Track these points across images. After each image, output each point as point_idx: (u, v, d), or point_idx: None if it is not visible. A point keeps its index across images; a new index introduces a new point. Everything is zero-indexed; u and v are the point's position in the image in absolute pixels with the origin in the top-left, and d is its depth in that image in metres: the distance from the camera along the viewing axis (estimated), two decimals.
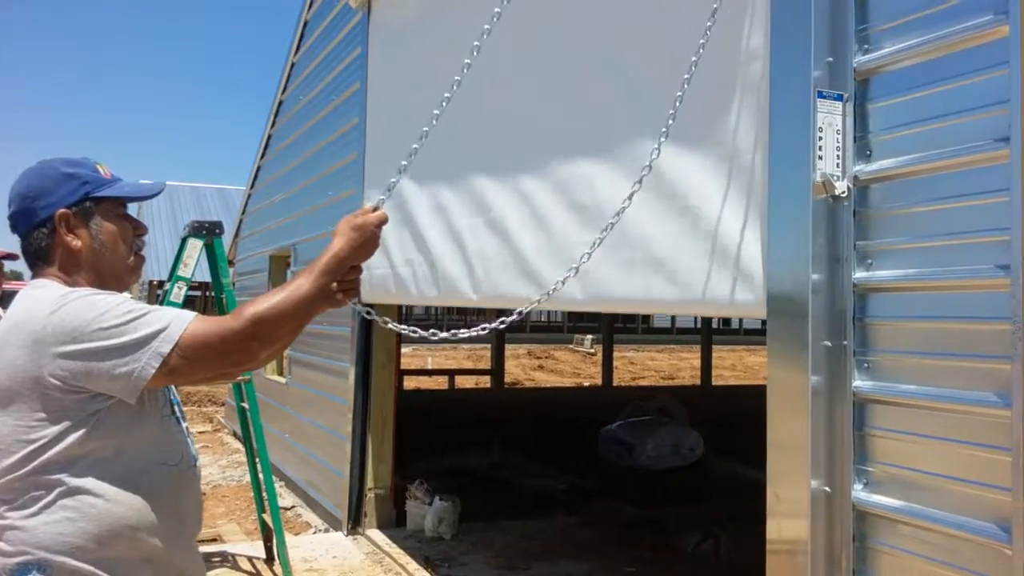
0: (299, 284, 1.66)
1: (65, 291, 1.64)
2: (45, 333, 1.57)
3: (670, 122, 2.23)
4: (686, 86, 2.18)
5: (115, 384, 1.59)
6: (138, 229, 1.86)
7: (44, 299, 1.63)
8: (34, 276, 1.78)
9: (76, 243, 1.74)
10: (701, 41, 2.21)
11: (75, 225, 1.74)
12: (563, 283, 2.23)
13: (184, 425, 1.86)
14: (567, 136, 3.21)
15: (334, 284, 1.73)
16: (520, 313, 2.25)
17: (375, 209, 1.78)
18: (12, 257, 3.86)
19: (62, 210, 1.73)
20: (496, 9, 2.03)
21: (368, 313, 1.95)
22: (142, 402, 1.67)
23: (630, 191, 2.24)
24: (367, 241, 1.73)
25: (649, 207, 2.68)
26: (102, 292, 1.65)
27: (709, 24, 2.24)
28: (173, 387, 1.88)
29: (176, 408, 1.85)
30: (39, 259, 1.77)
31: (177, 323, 1.60)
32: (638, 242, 2.76)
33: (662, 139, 2.23)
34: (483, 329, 2.12)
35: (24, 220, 1.76)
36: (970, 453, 1.82)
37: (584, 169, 3.08)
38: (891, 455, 2.00)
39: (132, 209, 1.95)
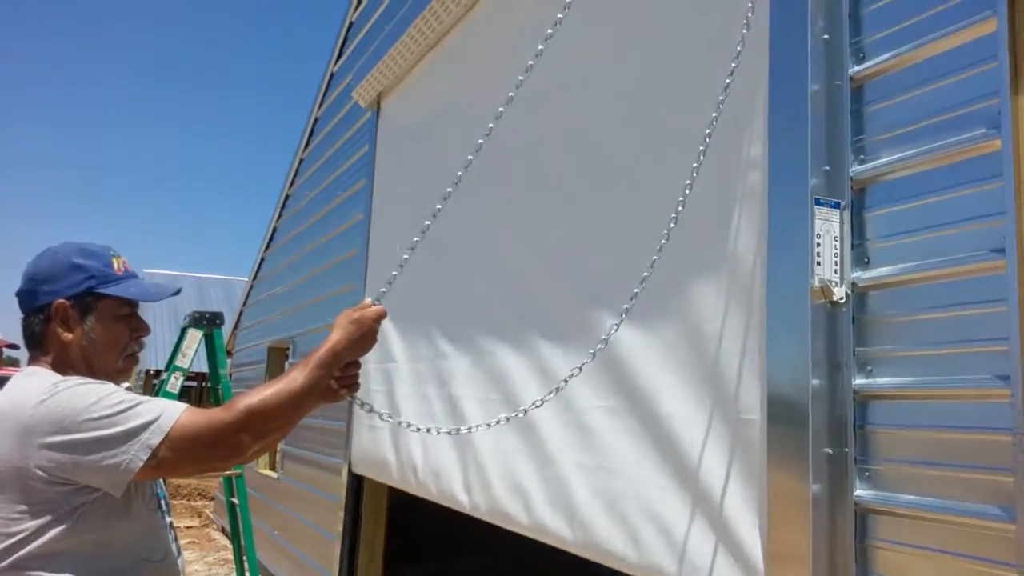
0: (293, 377, 1.65)
1: (56, 380, 1.63)
2: (33, 423, 1.55)
3: (670, 231, 2.26)
4: (687, 192, 2.21)
5: (101, 476, 1.56)
6: (138, 331, 1.84)
7: (34, 388, 1.61)
8: (29, 361, 1.77)
9: (67, 336, 1.74)
10: (700, 148, 2.25)
11: (69, 318, 1.74)
12: (566, 382, 2.23)
13: (169, 520, 1.82)
14: (564, 247, 3.24)
15: (333, 379, 1.72)
16: (516, 415, 2.24)
17: (374, 304, 1.78)
18: (13, 347, 3.85)
19: (60, 301, 1.74)
20: (489, 124, 2.07)
21: (370, 409, 1.93)
22: (128, 496, 1.64)
23: (623, 309, 2.26)
24: (364, 335, 1.73)
25: (641, 326, 2.71)
26: (93, 381, 1.64)
27: (708, 132, 2.29)
28: (161, 480, 1.85)
29: (162, 502, 1.81)
30: (33, 344, 1.77)
31: (167, 415, 1.58)
32: (625, 364, 2.75)
33: (655, 256, 2.25)
34: (483, 426, 2.11)
35: (26, 302, 1.77)
36: (973, 568, 1.77)
37: (580, 283, 3.10)
38: (893, 568, 1.94)
39: None
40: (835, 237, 2.12)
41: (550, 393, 2.24)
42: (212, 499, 12.34)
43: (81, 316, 1.74)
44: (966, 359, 1.84)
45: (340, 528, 5.60)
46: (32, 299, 1.76)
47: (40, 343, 1.75)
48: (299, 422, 1.72)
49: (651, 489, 2.61)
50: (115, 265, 1.81)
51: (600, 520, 2.81)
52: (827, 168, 2.16)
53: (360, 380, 1.82)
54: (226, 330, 8.20)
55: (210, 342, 4.96)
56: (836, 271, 2.10)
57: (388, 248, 5.29)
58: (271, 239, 10.16)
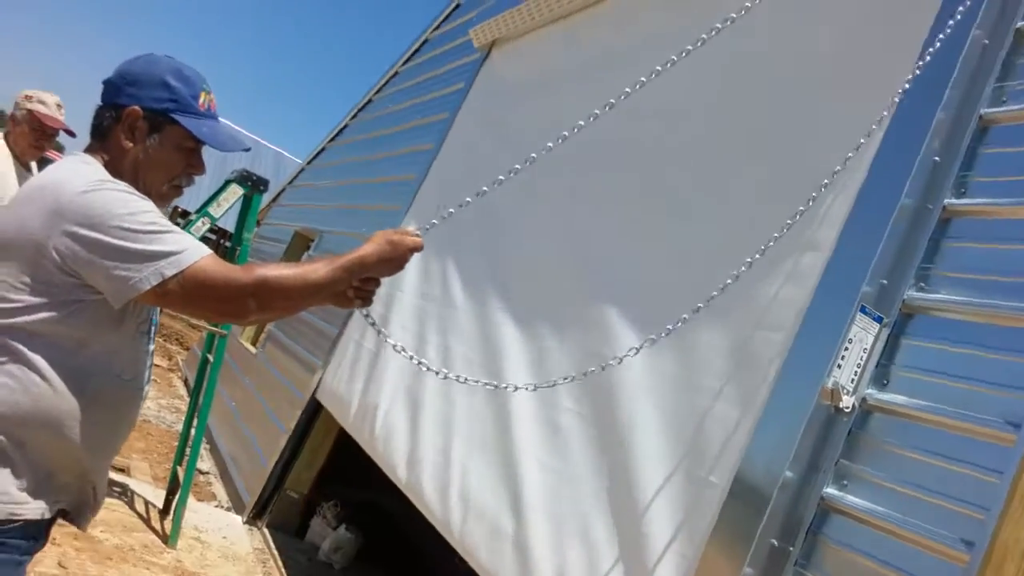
0: (315, 268, 1.68)
1: (105, 177, 1.65)
2: (68, 207, 1.58)
3: (715, 294, 2.24)
4: (758, 255, 2.19)
5: (108, 284, 1.59)
6: (193, 167, 1.85)
7: (81, 175, 1.64)
8: (86, 148, 1.79)
9: (127, 143, 1.76)
10: (775, 235, 2.22)
11: (136, 128, 1.76)
12: (566, 379, 2.25)
13: (151, 347, 1.85)
14: (605, 251, 3.24)
15: (352, 286, 1.74)
16: (506, 386, 2.26)
17: (416, 233, 1.80)
18: (71, 134, 3.91)
19: (135, 108, 1.75)
20: (580, 121, 2.03)
21: (374, 324, 1.96)
22: (124, 309, 1.67)
23: (647, 339, 2.27)
24: (395, 259, 1.75)
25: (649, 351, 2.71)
26: (136, 193, 1.65)
27: (801, 209, 2.27)
28: (158, 308, 1.88)
29: (152, 327, 1.84)
30: (97, 135, 1.78)
31: (191, 253, 1.60)
32: (618, 378, 2.76)
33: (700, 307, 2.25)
34: (480, 383, 2.15)
35: (108, 93, 1.79)
36: None
37: (601, 318, 3.09)
38: None
39: None
40: (865, 348, 2.11)
41: (545, 384, 2.25)
42: (187, 349, 12.52)
43: (148, 131, 1.75)
44: (938, 512, 1.84)
45: (293, 424, 5.67)
46: (113, 94, 1.76)
47: (103, 137, 1.76)
48: (303, 310, 1.74)
49: (594, 506, 2.63)
50: (201, 99, 1.81)
51: (536, 517, 2.83)
52: (884, 282, 2.15)
53: (374, 298, 1.84)
54: (265, 199, 8.29)
55: (247, 203, 5.00)
56: (853, 380, 2.09)
57: (445, 184, 5.30)
58: (338, 133, 10.21)
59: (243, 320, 1.69)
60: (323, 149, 10.59)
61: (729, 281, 2.20)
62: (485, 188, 1.97)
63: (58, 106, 3.83)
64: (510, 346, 3.52)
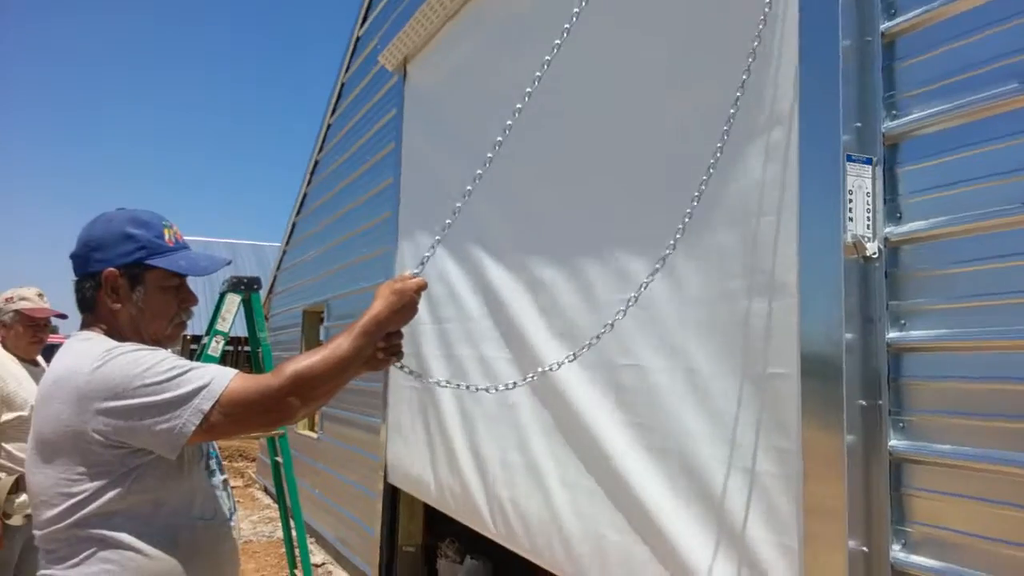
0: (338, 344, 1.71)
1: (110, 346, 1.69)
2: (89, 388, 1.62)
3: (703, 186, 2.29)
4: (719, 155, 2.24)
5: (156, 440, 1.63)
6: (186, 301, 1.89)
7: (88, 354, 1.68)
8: (82, 325, 1.83)
9: (115, 306, 1.79)
10: (732, 111, 2.27)
11: (119, 287, 1.79)
12: (598, 339, 2.29)
13: (222, 478, 1.90)
14: (589, 215, 3.28)
15: (379, 348, 1.78)
16: (550, 368, 2.30)
17: (414, 275, 1.83)
18: (62, 316, 3.95)
19: (111, 270, 1.79)
20: (528, 89, 2.10)
21: (411, 372, 1.99)
22: (181, 457, 1.71)
23: (653, 268, 2.30)
24: (405, 306, 1.78)
25: (669, 284, 2.75)
26: (145, 348, 1.70)
27: (739, 93, 2.30)
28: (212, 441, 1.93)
29: (214, 462, 1.89)
30: (84, 308, 1.83)
31: (219, 380, 1.65)
32: (663, 304, 2.80)
33: (694, 203, 2.29)
34: (514, 384, 2.19)
35: (78, 266, 1.83)
36: (1008, 514, 1.82)
37: (606, 245, 3.14)
38: (928, 515, 2.00)
39: None
40: (867, 193, 2.14)
41: (582, 348, 2.29)
42: (254, 460, 12.64)
43: (130, 286, 1.79)
44: (998, 311, 1.87)
45: (381, 487, 5.74)
46: (84, 264, 1.80)
47: (91, 308, 1.80)
48: (343, 387, 1.78)
49: (688, 442, 2.67)
50: (166, 236, 1.85)
51: (645, 479, 2.88)
52: (859, 124, 2.18)
53: (403, 348, 1.89)
54: (261, 294, 8.35)
55: (248, 306, 5.05)
56: (869, 227, 2.12)
57: (419, 210, 5.34)
58: (302, 204, 10.26)
59: (292, 420, 1.72)
60: (294, 225, 10.65)
61: (711, 170, 2.23)
62: (459, 204, 2.01)
63: (40, 296, 3.89)
64: (539, 330, 3.57)
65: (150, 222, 1.85)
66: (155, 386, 1.62)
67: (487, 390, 2.20)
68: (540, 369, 2.30)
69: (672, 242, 2.25)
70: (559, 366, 2.32)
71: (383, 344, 1.80)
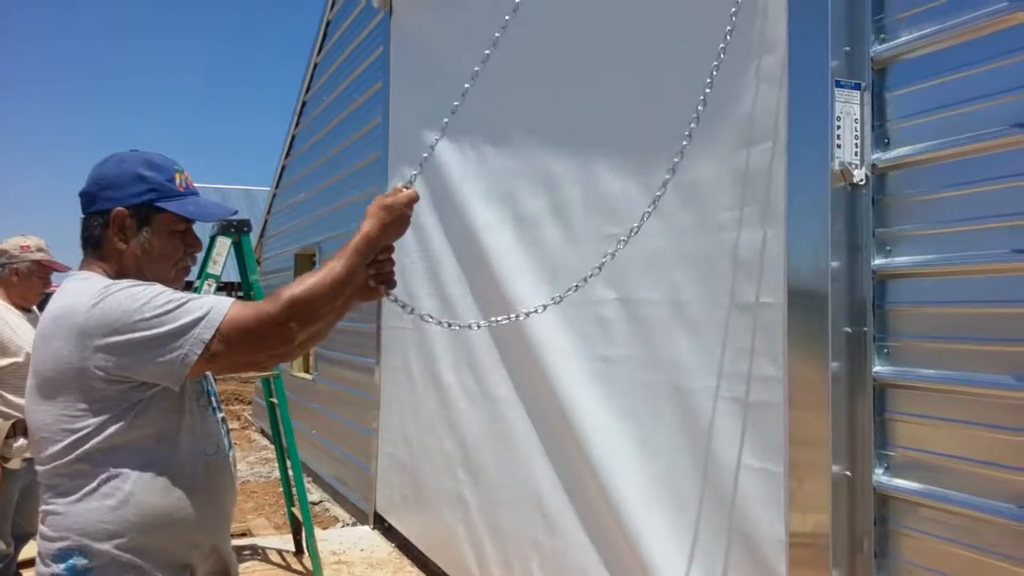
0: (332, 266, 1.70)
1: (107, 283, 1.69)
2: (88, 325, 1.62)
3: (693, 124, 2.25)
4: (714, 73, 2.19)
5: (158, 372, 1.64)
6: (191, 247, 1.89)
7: (86, 292, 1.67)
8: (81, 263, 1.83)
9: (121, 245, 1.79)
10: (728, 28, 2.22)
11: (126, 227, 1.78)
12: (586, 281, 2.28)
13: (220, 415, 1.91)
14: (582, 138, 3.25)
15: (370, 274, 1.77)
16: (539, 309, 2.28)
17: (405, 188, 1.81)
18: (62, 269, 3.94)
19: (120, 209, 1.78)
20: (506, 17, 2.06)
21: (403, 306, 1.99)
22: (183, 392, 1.73)
23: (652, 199, 2.28)
24: (396, 220, 1.77)
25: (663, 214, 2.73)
26: (141, 283, 1.69)
27: (733, 13, 2.26)
28: (211, 378, 1.94)
29: (213, 399, 1.90)
30: (89, 245, 1.82)
31: (217, 310, 1.65)
32: (651, 237, 2.79)
33: (685, 142, 2.26)
34: (508, 318, 2.17)
35: (87, 203, 1.82)
36: (990, 436, 1.84)
37: (603, 173, 3.11)
38: (911, 439, 2.02)
39: None
40: (855, 119, 2.12)
41: (569, 291, 2.27)
42: (250, 403, 12.75)
43: (138, 227, 1.78)
44: (983, 235, 1.87)
45: (375, 424, 5.80)
46: (92, 202, 1.80)
47: (96, 246, 1.80)
48: (341, 312, 1.76)
49: (676, 374, 2.69)
50: (177, 180, 1.84)
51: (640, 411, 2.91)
52: (847, 49, 2.14)
53: (396, 277, 1.88)
54: (253, 238, 8.33)
55: (239, 249, 5.03)
56: (856, 153, 2.11)
57: (408, 150, 5.29)
58: (291, 147, 10.16)
59: (292, 347, 1.70)
60: (283, 167, 10.56)
61: (703, 102, 2.20)
62: (446, 120, 1.99)
63: (40, 249, 3.89)
64: (521, 265, 3.58)
65: (162, 165, 1.84)
66: (154, 319, 1.61)
67: (469, 327, 2.19)
68: (527, 310, 2.27)
69: (664, 180, 2.21)
70: (544, 308, 2.29)
71: (374, 271, 1.79)
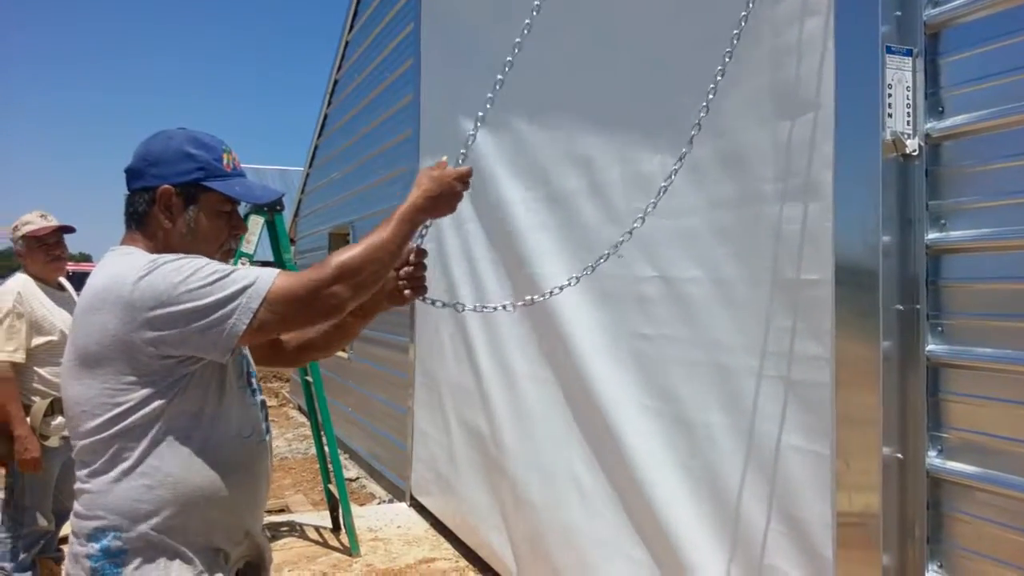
0: (378, 232, 1.69)
1: (152, 257, 1.66)
2: (134, 298, 1.59)
3: (718, 79, 2.18)
4: (735, 42, 2.12)
5: (206, 342, 1.61)
6: (236, 228, 1.86)
7: (131, 265, 1.65)
8: (124, 238, 1.80)
9: (167, 224, 1.76)
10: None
11: (173, 206, 1.76)
12: (617, 248, 2.23)
13: (259, 398, 1.89)
14: (619, 99, 3.17)
15: (403, 281, 1.76)
16: (572, 282, 2.24)
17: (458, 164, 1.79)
18: (69, 230, 3.95)
19: (166, 186, 1.75)
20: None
21: (433, 303, 1.98)
22: (224, 372, 1.71)
23: (678, 157, 2.21)
24: (443, 193, 1.75)
25: (699, 179, 2.66)
26: (186, 256, 1.67)
27: None
28: (251, 359, 1.91)
29: (253, 380, 1.87)
30: (133, 222, 1.79)
31: (263, 279, 1.62)
32: (690, 213, 2.72)
33: (710, 95, 2.18)
34: (533, 300, 2.16)
35: (133, 179, 1.79)
36: None
37: (639, 136, 3.04)
38: (966, 420, 1.95)
39: None
40: (907, 87, 2.03)
41: (601, 258, 2.23)
42: (287, 380, 12.86)
43: (184, 205, 1.76)
44: None
45: (410, 403, 5.80)
46: (139, 178, 1.77)
47: (140, 223, 1.77)
48: (368, 315, 1.78)
49: (718, 353, 2.62)
50: (225, 160, 1.81)
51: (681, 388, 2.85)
52: (898, 13, 2.05)
53: (427, 283, 1.90)
54: (287, 217, 8.33)
55: (272, 228, 5.03)
56: (908, 123, 2.02)
57: (439, 128, 5.24)
58: (323, 126, 10.15)
59: (342, 312, 1.69)
60: (316, 147, 10.56)
61: (727, 60, 2.12)
62: (490, 96, 1.95)
63: (42, 216, 3.89)
64: (553, 243, 3.54)
65: (210, 144, 1.81)
66: (199, 290, 1.59)
67: (504, 307, 2.14)
68: (561, 284, 2.23)
69: (691, 137, 2.14)
70: (577, 280, 2.25)
71: (406, 279, 1.82)
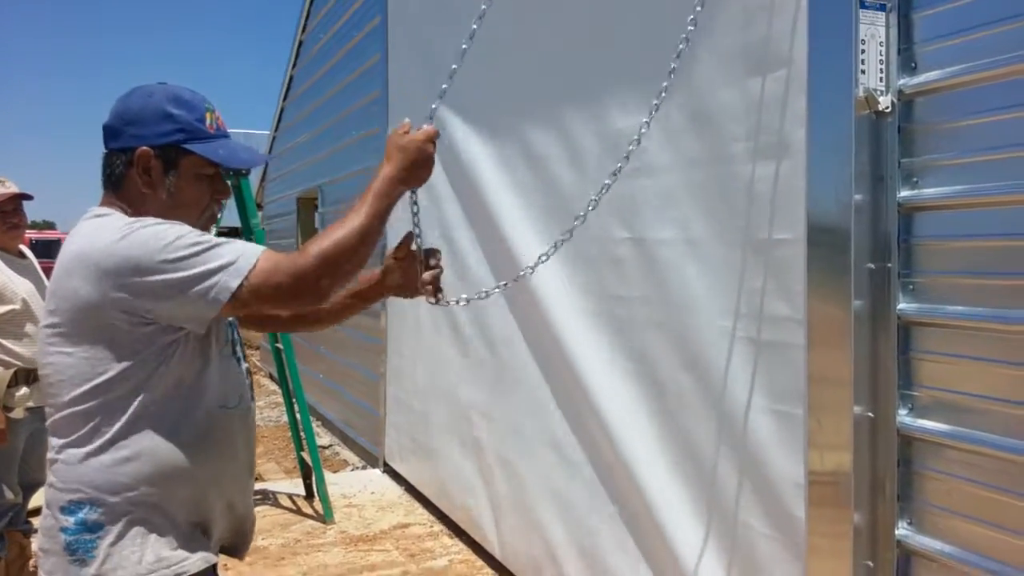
0: (356, 213, 1.61)
1: (129, 220, 1.58)
2: (109, 264, 1.52)
3: (690, 28, 2.12)
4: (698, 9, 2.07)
5: (183, 312, 1.55)
6: (219, 193, 1.76)
7: (107, 227, 1.57)
8: (101, 201, 1.71)
9: (146, 189, 1.67)
10: None
11: (152, 169, 1.66)
12: (596, 204, 2.18)
13: (244, 366, 1.83)
14: (590, 63, 3.11)
15: (426, 285, 1.77)
16: (557, 245, 2.19)
17: (422, 125, 1.72)
18: (27, 197, 3.83)
19: (145, 149, 1.65)
20: None
21: (457, 302, 1.95)
22: (208, 340, 1.64)
23: (647, 116, 2.16)
24: (417, 159, 1.67)
25: (671, 139, 2.62)
26: (167, 222, 1.58)
27: None
28: (237, 326, 1.86)
29: (238, 348, 1.81)
30: (111, 184, 1.70)
31: (246, 257, 1.54)
32: (662, 173, 2.69)
33: (682, 45, 2.13)
34: (503, 286, 2.12)
35: (110, 138, 1.69)
36: (1019, 374, 1.77)
37: (611, 98, 2.99)
38: (937, 378, 1.95)
39: None
40: (880, 42, 1.99)
41: (577, 221, 2.18)
42: (257, 348, 12.75)
43: (164, 168, 1.66)
44: (1017, 164, 1.76)
45: (383, 369, 5.77)
46: (116, 137, 1.67)
47: (119, 185, 1.68)
48: (368, 259, 1.67)
49: (688, 315, 2.61)
50: (207, 120, 1.70)
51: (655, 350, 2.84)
52: None
53: (442, 284, 1.85)
54: (253, 181, 8.19)
55: (238, 192, 4.93)
56: (881, 79, 1.99)
57: (409, 88, 5.14)
58: (288, 88, 9.96)
59: (325, 300, 1.62)
60: (283, 110, 10.38)
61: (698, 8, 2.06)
62: (464, 46, 1.88)
63: (1, 182, 3.76)
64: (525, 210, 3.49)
65: (192, 102, 1.70)
66: (179, 260, 1.51)
67: (487, 294, 2.09)
68: (536, 260, 2.16)
69: (662, 88, 2.09)
70: (555, 249, 2.18)
71: (426, 279, 1.80)
